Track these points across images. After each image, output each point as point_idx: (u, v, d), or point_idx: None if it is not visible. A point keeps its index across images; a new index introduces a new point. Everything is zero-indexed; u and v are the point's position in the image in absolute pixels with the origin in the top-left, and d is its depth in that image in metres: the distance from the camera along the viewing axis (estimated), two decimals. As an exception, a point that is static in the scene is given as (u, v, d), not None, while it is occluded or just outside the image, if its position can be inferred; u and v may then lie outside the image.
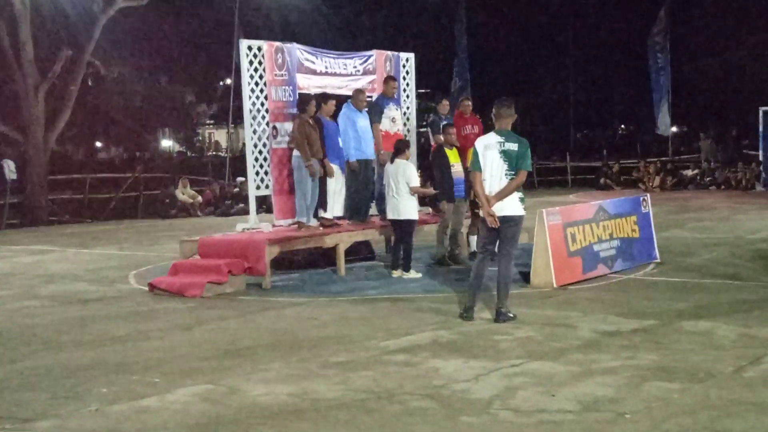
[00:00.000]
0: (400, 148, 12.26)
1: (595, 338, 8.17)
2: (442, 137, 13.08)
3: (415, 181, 12.11)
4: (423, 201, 14.02)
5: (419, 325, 9.02)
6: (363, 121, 13.13)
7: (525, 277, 11.31)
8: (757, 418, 5.76)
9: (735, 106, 37.38)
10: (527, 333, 8.45)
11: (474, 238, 13.44)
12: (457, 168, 12.80)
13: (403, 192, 11.97)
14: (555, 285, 10.81)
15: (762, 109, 28.80)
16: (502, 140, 9.02)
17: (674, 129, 35.63)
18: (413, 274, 12.06)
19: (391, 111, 13.69)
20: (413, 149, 14.30)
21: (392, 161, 12.16)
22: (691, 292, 10.45)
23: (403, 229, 12.14)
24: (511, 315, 9.03)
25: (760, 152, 28.75)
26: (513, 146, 8.97)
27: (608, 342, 7.99)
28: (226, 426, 5.93)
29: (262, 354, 7.97)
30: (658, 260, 12.70)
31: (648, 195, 13.66)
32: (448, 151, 12.83)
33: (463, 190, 12.81)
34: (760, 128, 28.75)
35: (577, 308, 9.59)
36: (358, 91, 13.40)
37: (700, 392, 6.39)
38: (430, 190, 12.93)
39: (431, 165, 13.22)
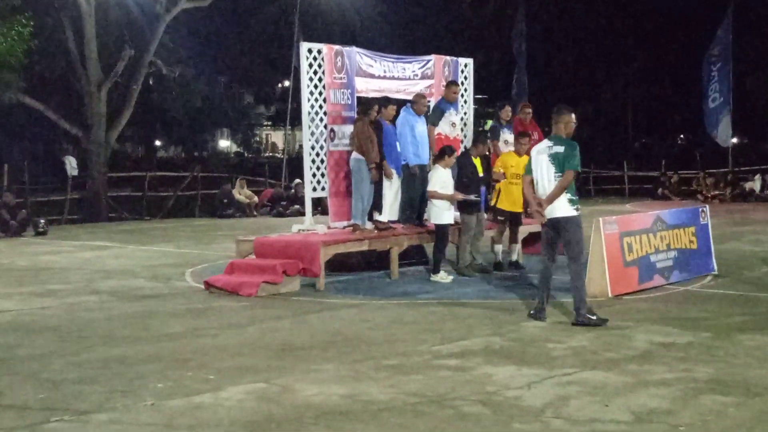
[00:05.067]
0: (443, 152, 12.30)
1: (650, 349, 8.09)
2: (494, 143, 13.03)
3: (433, 185, 12.15)
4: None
5: (472, 330, 9.02)
6: (421, 126, 13.14)
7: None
8: (815, 436, 5.68)
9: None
10: (581, 342, 8.40)
11: (499, 248, 13.35)
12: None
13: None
14: (610, 295, 10.72)
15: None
16: (551, 144, 9.29)
17: (734, 140, 35.04)
18: (441, 277, 12.12)
19: (451, 116, 13.69)
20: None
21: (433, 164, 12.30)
22: (748, 305, 10.30)
23: (436, 232, 12.34)
24: (593, 317, 9.12)
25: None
26: (559, 149, 9.20)
27: (663, 353, 7.92)
28: (278, 424, 5.98)
29: (315, 354, 8.02)
30: (716, 272, 12.54)
31: (707, 206, 13.49)
32: (514, 158, 12.87)
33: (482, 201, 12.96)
34: None
35: (632, 319, 9.50)
36: (420, 96, 13.40)
37: (756, 407, 6.31)
38: (457, 195, 12.32)
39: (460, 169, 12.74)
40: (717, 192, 30.33)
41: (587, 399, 6.48)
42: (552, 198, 9.12)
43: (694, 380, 6.98)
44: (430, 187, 12.14)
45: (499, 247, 13.36)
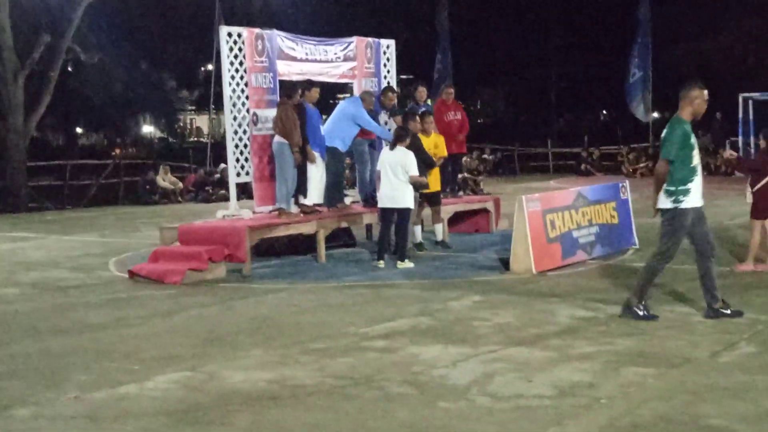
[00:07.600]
0: (400, 135, 11.99)
1: (573, 324, 8.23)
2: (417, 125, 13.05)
3: (415, 169, 11.82)
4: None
5: (399, 311, 9.06)
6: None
7: (505, 264, 11.37)
8: (731, 403, 5.83)
9: (718, 93, 37.47)
10: (506, 319, 8.50)
11: (418, 228, 13.37)
12: None
13: (402, 180, 11.80)
14: (534, 271, 10.86)
15: (741, 95, 29.09)
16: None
17: (655, 114, 35.63)
18: (407, 264, 11.85)
19: (382, 118, 13.90)
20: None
21: (392, 148, 12.02)
22: (668, 277, 10.48)
23: (400, 217, 11.97)
24: (728, 312, 8.22)
25: (740, 138, 29.02)
26: (665, 133, 8.24)
27: (586, 328, 8.06)
28: (204, 412, 5.95)
29: (242, 341, 7.99)
30: (637, 246, 12.78)
31: (627, 181, 13.72)
32: (423, 139, 12.85)
33: None
34: (740, 115, 29.09)
35: (556, 294, 9.65)
36: (368, 93, 13.50)
37: (676, 377, 6.46)
38: (425, 180, 12.35)
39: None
40: (639, 166, 30.93)
41: (512, 375, 6.57)
42: (655, 189, 8.33)
43: (615, 353, 7.12)
44: (413, 172, 11.76)
45: (418, 228, 13.35)
